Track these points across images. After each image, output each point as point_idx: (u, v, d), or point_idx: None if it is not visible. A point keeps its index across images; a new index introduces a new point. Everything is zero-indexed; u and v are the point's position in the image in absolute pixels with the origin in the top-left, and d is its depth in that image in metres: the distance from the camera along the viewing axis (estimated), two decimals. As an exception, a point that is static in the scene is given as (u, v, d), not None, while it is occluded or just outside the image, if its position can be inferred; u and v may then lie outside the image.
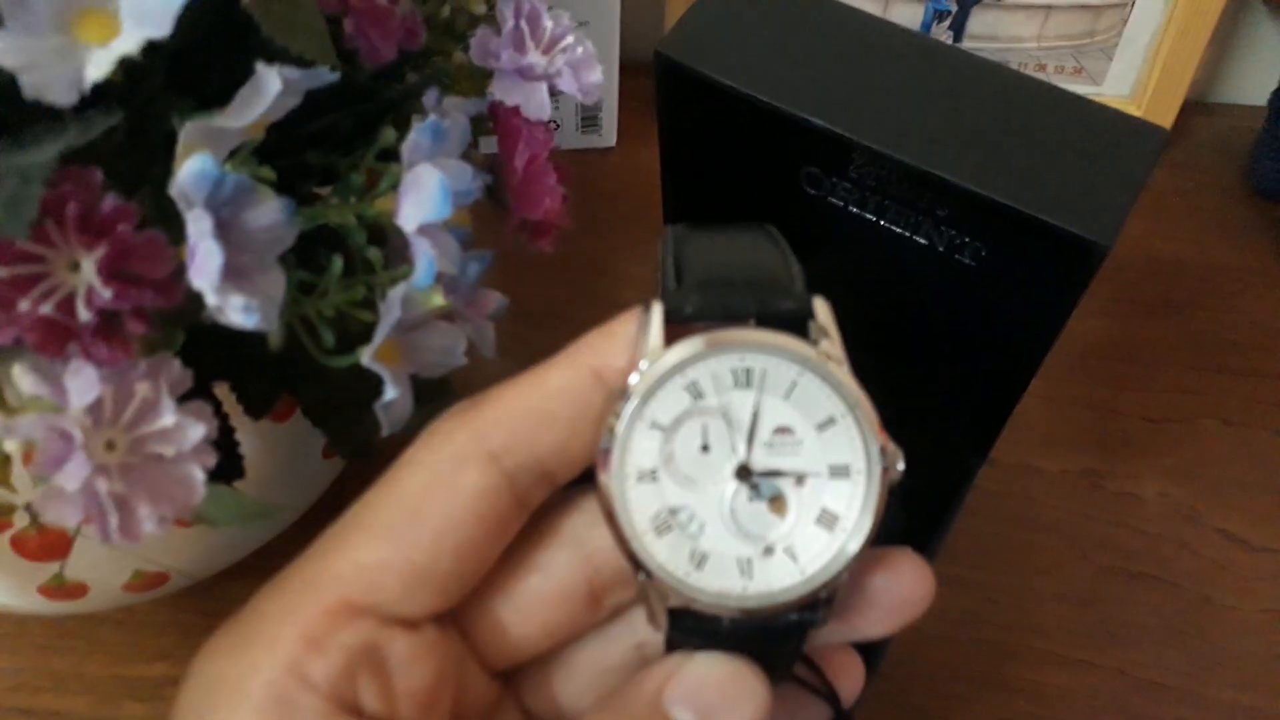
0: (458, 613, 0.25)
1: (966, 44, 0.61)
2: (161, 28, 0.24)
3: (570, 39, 0.31)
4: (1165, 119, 0.62)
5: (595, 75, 0.32)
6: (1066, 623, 0.47)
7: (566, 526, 0.25)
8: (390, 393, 0.26)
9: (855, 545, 0.22)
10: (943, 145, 0.36)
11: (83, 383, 0.25)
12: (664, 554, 0.22)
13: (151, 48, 0.24)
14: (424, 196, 0.26)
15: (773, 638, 0.23)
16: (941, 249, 0.41)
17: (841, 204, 0.43)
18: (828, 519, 0.22)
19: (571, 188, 0.60)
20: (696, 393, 0.22)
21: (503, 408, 0.24)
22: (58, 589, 0.37)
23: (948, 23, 0.61)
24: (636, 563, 0.22)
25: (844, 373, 0.22)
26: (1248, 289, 0.59)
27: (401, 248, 0.28)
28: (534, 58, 0.31)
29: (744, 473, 0.22)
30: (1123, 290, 0.58)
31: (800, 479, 0.22)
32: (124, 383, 0.25)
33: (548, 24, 0.31)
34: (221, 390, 0.32)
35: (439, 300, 0.27)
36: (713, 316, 0.22)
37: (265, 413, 0.33)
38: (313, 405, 0.33)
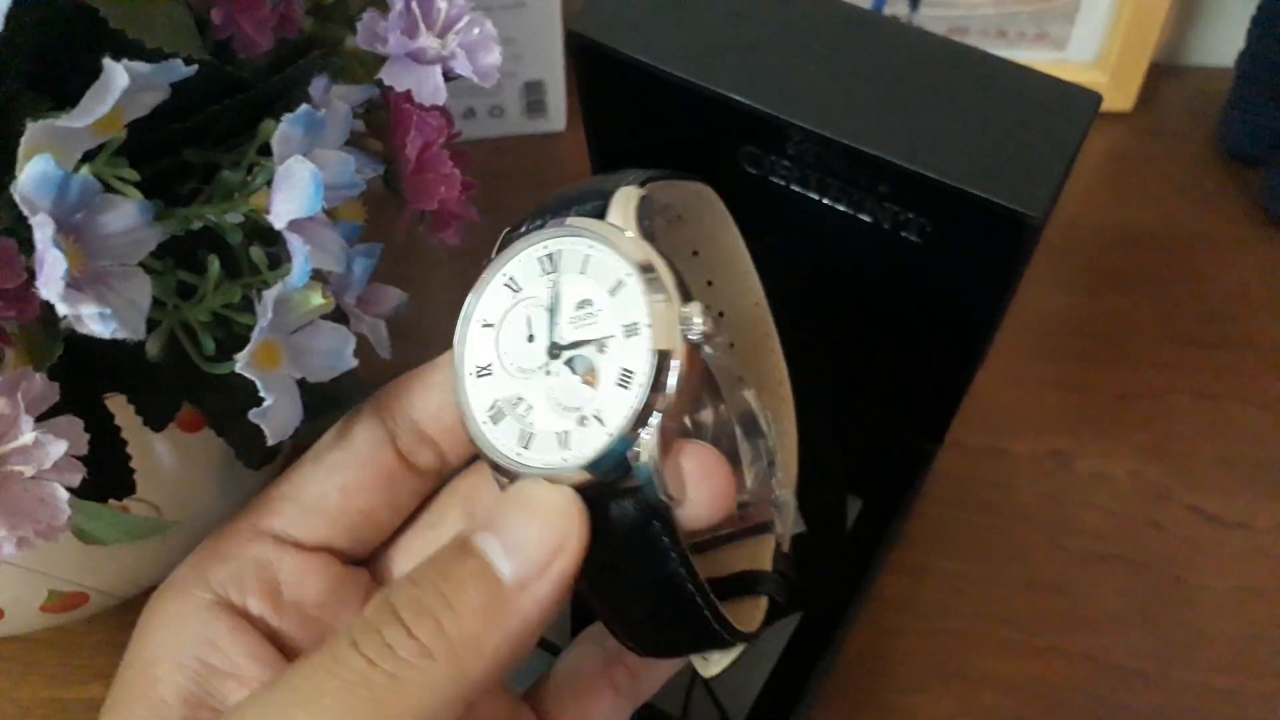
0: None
1: (924, 11, 0.60)
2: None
3: (466, 19, 0.30)
4: (1132, 83, 0.60)
5: (492, 57, 0.30)
6: (1034, 610, 0.45)
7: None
8: (266, 399, 0.25)
9: (642, 397, 0.22)
10: (872, 119, 0.34)
11: (-64, 401, 0.23)
12: (498, 439, 0.23)
13: (7, 49, 0.23)
14: (295, 191, 0.24)
15: (623, 527, 0.23)
16: (887, 226, 0.40)
17: (783, 183, 0.41)
18: (625, 378, 0.22)
19: (518, 175, 0.59)
20: (515, 287, 0.24)
21: (398, 380, 0.29)
22: (-29, 613, 0.36)
23: (904, -10, 0.59)
24: (480, 453, 0.24)
25: (626, 238, 0.23)
26: (1221, 257, 0.57)
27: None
28: (426, 40, 0.29)
29: (554, 350, 0.23)
30: (1090, 263, 0.56)
31: (602, 346, 0.22)
32: (-20, 400, 0.24)
33: (441, 5, 0.29)
34: (120, 403, 0.31)
35: (318, 300, 0.25)
36: (535, 225, 0.24)
37: (165, 424, 0.31)
38: (216, 414, 0.32)
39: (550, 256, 0.23)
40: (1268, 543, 0.47)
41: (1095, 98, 0.33)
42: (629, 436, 0.22)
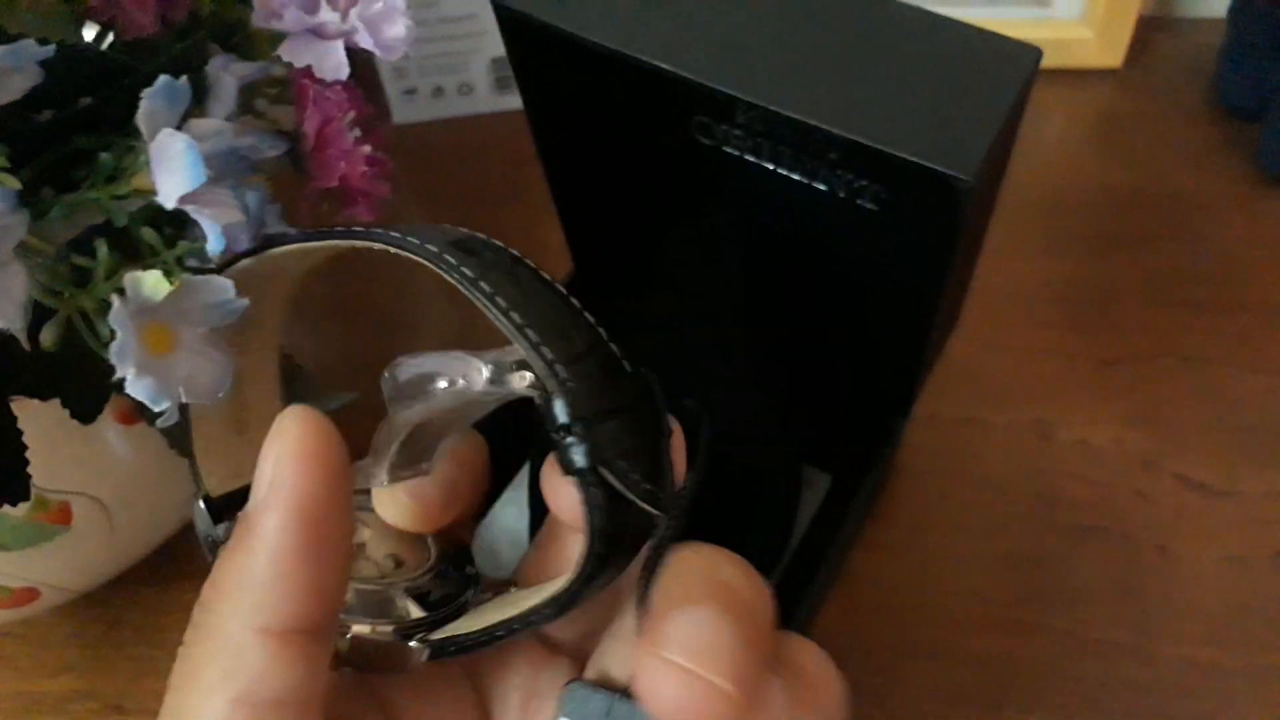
0: None
1: (900, -26, 0.58)
2: None
3: (368, -8, 0.29)
4: (1120, 38, 0.58)
5: (396, 29, 0.29)
6: (1012, 585, 0.44)
7: None
8: (132, 388, 0.24)
9: None
10: (807, 85, 0.33)
11: None
12: None
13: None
14: (174, 164, 0.24)
15: None
16: (842, 194, 0.38)
17: (737, 153, 0.40)
18: None
19: (489, 153, 0.58)
20: None
21: None
22: (-80, 609, 0.36)
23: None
24: None
25: None
26: (1214, 217, 0.55)
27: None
28: (326, 15, 0.28)
29: None
30: (1075, 226, 0.55)
31: None
32: None
33: (342, -22, 0.29)
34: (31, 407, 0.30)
35: (163, 288, 0.24)
36: None
37: (94, 416, 0.31)
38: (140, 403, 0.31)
39: None
40: (1257, 511, 0.45)
41: (1035, 53, 0.31)
42: None
